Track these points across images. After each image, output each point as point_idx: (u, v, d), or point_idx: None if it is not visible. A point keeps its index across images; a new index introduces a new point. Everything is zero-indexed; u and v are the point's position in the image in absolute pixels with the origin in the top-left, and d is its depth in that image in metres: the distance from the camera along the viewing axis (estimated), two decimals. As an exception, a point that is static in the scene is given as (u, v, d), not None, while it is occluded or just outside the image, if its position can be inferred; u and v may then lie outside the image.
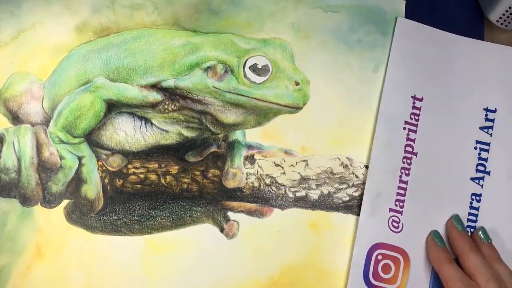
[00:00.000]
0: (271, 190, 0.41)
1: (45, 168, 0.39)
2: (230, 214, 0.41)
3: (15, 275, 0.39)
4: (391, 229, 0.41)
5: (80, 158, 0.40)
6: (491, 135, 0.43)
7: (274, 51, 0.40)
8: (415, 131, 0.42)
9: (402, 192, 0.41)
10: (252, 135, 0.42)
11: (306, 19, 0.43)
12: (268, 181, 0.41)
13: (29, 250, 0.39)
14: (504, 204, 0.42)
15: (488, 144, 0.43)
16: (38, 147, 0.39)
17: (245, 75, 0.38)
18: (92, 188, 0.40)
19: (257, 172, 0.41)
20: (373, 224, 0.41)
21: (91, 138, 0.40)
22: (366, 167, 0.42)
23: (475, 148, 0.42)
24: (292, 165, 0.41)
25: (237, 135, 0.42)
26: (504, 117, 0.43)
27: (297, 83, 0.39)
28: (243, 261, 0.40)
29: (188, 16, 0.42)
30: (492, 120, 0.43)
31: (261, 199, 0.41)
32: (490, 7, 0.43)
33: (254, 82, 0.38)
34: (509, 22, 0.43)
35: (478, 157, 0.42)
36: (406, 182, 0.42)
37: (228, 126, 0.40)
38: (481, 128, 0.43)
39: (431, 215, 0.41)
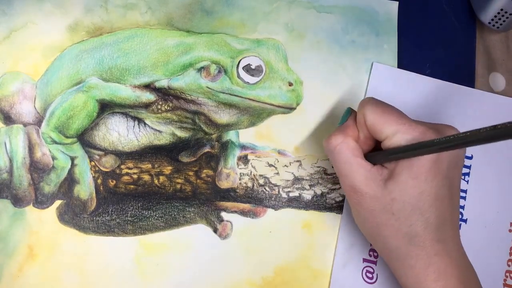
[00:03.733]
0: (264, 190, 0.41)
1: (37, 169, 0.39)
2: (223, 214, 0.41)
3: (6, 276, 0.38)
4: (365, 280, 0.40)
5: (72, 159, 0.39)
6: (467, 182, 0.42)
7: (267, 51, 0.40)
8: None
9: None
10: (245, 135, 0.42)
11: (300, 20, 0.43)
12: (261, 181, 0.41)
13: (21, 251, 0.39)
14: (481, 252, 0.41)
15: (465, 191, 0.42)
16: (30, 148, 0.39)
17: (238, 76, 0.38)
18: (85, 189, 0.39)
19: (251, 172, 0.41)
20: (346, 275, 0.40)
21: (84, 138, 0.40)
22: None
23: None
24: (285, 165, 0.42)
25: (230, 135, 0.42)
26: (479, 164, 0.42)
27: (290, 84, 0.39)
28: (237, 261, 0.40)
29: (181, 16, 0.42)
30: (469, 167, 0.42)
31: (254, 199, 0.41)
32: (482, 9, 0.43)
33: (248, 82, 0.38)
34: (500, 24, 0.43)
35: None
36: None
37: (222, 126, 0.40)
38: None
39: None
